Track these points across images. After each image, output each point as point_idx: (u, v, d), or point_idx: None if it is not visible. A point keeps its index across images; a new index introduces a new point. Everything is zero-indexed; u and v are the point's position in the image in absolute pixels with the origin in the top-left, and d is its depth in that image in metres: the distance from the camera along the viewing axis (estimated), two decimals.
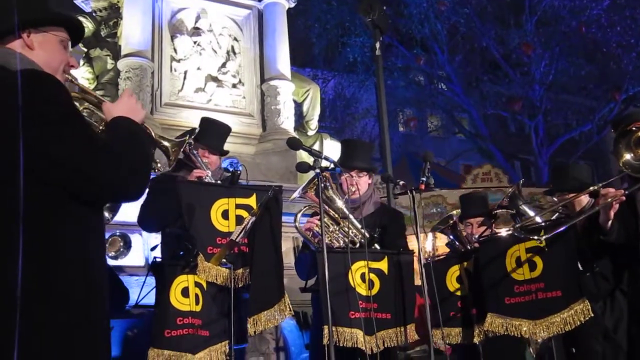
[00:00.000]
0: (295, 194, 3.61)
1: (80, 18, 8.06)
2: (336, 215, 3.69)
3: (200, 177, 3.91)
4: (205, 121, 4.37)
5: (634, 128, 3.16)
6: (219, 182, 4.01)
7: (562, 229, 3.33)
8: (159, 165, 2.81)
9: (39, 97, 1.86)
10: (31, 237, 1.79)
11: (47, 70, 2.01)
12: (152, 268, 3.75)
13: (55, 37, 2.11)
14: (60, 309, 1.82)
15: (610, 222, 3.20)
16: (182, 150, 2.83)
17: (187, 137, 3.16)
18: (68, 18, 2.21)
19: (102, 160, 1.90)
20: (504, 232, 3.95)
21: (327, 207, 3.58)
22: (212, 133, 4.23)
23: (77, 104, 2.13)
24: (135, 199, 2.12)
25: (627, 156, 3.15)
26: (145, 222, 4.11)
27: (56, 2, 2.24)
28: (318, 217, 3.43)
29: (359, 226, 3.70)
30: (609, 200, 3.13)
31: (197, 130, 3.89)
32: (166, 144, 2.63)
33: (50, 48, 2.10)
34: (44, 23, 2.10)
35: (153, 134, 2.39)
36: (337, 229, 3.69)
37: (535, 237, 3.39)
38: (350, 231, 3.68)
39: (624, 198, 3.14)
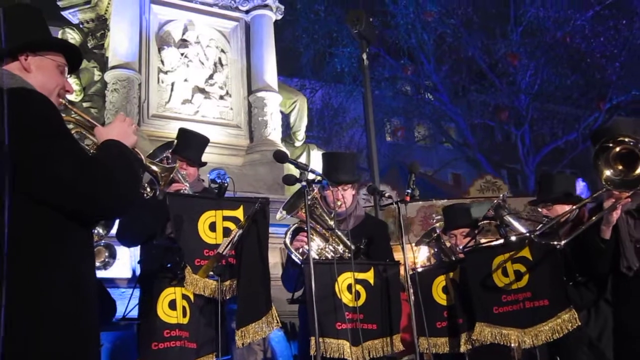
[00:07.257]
0: (283, 215, 3.60)
1: (68, 29, 8.14)
2: (324, 232, 3.69)
3: (178, 190, 3.85)
4: (183, 132, 4.30)
5: (611, 144, 3.21)
6: (196, 193, 3.99)
7: (577, 232, 3.37)
8: (148, 190, 2.81)
9: (29, 114, 1.89)
10: (23, 253, 1.81)
11: (42, 92, 2.03)
12: (140, 280, 3.74)
13: (52, 61, 2.15)
14: (51, 323, 1.84)
15: (610, 229, 3.29)
16: (171, 175, 2.80)
17: (177, 164, 3.12)
18: (66, 44, 2.28)
19: (92, 175, 1.93)
20: (494, 242, 3.97)
21: (314, 223, 3.59)
22: (190, 145, 4.17)
23: (70, 126, 2.17)
24: (123, 215, 2.15)
25: (607, 172, 3.21)
26: (123, 236, 4.03)
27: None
28: (305, 234, 3.43)
29: (345, 239, 3.69)
30: (614, 202, 3.23)
31: (175, 143, 3.85)
32: (155, 168, 2.63)
33: (47, 72, 2.14)
34: (43, 47, 2.14)
35: (143, 158, 2.41)
36: (326, 245, 3.69)
37: (555, 242, 3.40)
38: (339, 247, 3.68)
39: (629, 200, 3.23)
